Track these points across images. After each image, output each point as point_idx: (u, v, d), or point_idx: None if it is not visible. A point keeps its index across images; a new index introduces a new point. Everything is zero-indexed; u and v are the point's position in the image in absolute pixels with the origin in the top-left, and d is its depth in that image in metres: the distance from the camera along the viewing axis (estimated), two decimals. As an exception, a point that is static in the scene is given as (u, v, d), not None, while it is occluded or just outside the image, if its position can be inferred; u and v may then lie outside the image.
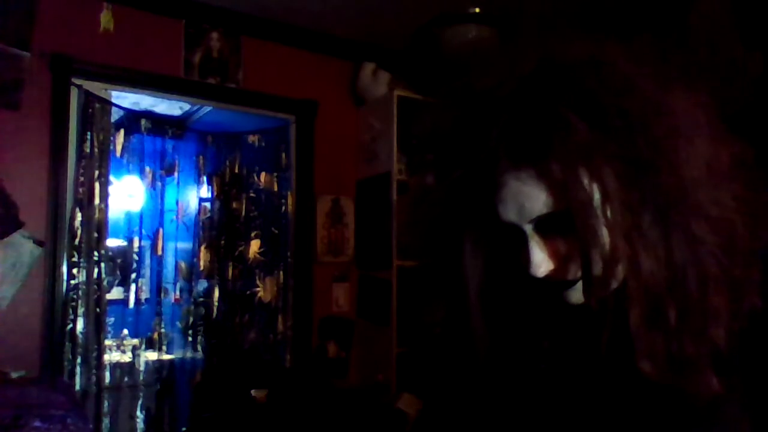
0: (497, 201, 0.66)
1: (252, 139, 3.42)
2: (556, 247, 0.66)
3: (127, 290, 3.40)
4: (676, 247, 0.61)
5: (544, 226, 0.65)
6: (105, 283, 2.72)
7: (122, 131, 3.08)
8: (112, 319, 3.60)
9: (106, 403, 2.83)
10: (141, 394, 3.36)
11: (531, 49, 0.68)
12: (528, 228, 0.65)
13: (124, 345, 3.75)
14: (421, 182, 0.74)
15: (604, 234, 0.62)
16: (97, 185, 2.68)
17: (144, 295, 3.52)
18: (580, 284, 0.65)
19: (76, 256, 2.61)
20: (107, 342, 3.29)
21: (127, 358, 3.65)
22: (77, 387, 2.59)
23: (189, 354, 3.50)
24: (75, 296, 2.60)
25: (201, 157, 3.47)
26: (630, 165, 0.61)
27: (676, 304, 0.62)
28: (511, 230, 0.67)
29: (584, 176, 0.62)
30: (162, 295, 3.40)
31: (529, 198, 0.64)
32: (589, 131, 0.61)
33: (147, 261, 3.39)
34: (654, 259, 0.61)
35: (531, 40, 0.70)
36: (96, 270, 2.66)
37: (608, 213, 0.62)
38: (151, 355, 3.59)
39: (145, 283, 3.52)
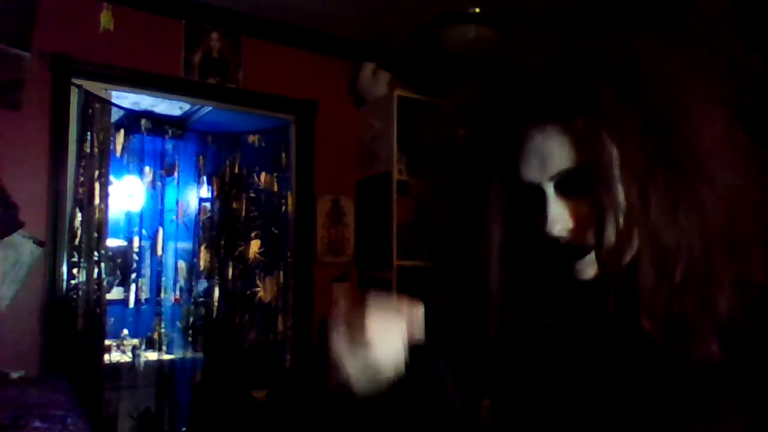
0: (521, 158, 0.69)
1: (252, 139, 3.42)
2: (574, 207, 0.68)
3: (127, 290, 3.40)
4: (685, 211, 0.65)
5: (564, 185, 0.67)
6: (105, 283, 2.72)
7: (122, 131, 3.08)
8: (112, 319, 3.60)
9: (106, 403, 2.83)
10: (141, 394, 3.36)
11: (562, 31, 0.73)
12: (548, 186, 0.67)
13: (124, 345, 3.75)
14: (453, 137, 0.78)
15: (620, 195, 0.65)
16: (97, 185, 2.68)
17: (144, 295, 3.51)
18: (592, 255, 0.67)
19: (76, 256, 2.61)
20: (107, 342, 3.29)
21: (127, 358, 3.65)
22: (77, 387, 2.59)
23: (189, 354, 3.50)
24: (75, 296, 2.60)
25: (201, 157, 3.47)
26: (649, 130, 0.65)
27: (682, 264, 0.65)
28: (531, 194, 0.69)
29: (606, 138, 0.65)
30: (162, 295, 3.40)
31: (552, 152, 0.67)
32: (614, 96, 0.65)
33: (147, 261, 3.38)
34: (665, 217, 0.64)
35: (560, 25, 0.74)
36: (96, 270, 2.66)
37: (625, 174, 0.65)
38: (151, 355, 3.59)
39: (145, 283, 3.51)
